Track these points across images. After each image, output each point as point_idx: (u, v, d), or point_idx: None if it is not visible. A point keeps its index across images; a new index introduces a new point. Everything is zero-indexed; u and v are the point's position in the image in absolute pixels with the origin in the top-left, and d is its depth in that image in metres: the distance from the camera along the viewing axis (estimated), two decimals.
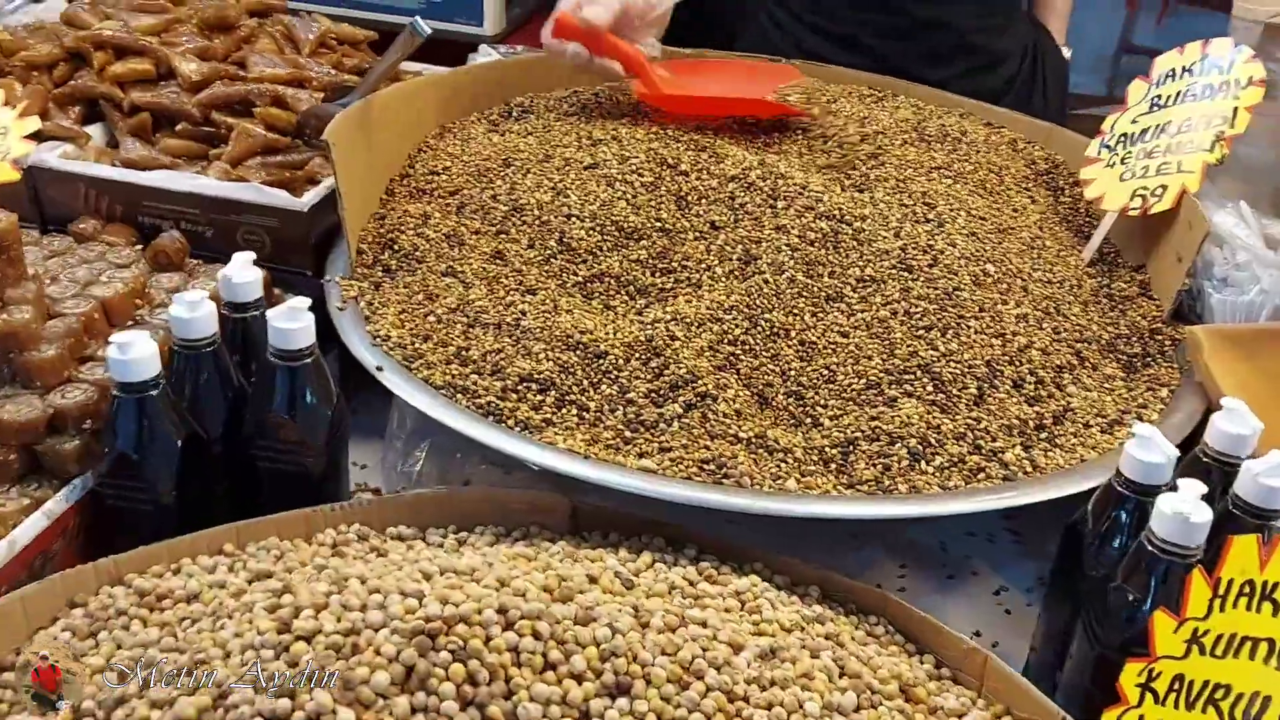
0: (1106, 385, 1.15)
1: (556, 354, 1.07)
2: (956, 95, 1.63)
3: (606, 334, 1.09)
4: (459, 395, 1.04)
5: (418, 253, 1.22)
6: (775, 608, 0.85)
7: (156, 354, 0.91)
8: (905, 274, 1.16)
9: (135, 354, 0.90)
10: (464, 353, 1.09)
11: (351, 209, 1.21)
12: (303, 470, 1.00)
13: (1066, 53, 1.98)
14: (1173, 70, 1.37)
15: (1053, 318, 1.18)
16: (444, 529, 0.99)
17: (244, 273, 1.03)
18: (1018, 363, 1.11)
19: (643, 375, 1.05)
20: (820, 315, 1.12)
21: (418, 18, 1.24)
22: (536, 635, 0.72)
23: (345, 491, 1.08)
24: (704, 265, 1.17)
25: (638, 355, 1.07)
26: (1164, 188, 1.30)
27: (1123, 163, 1.36)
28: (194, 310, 0.96)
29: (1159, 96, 1.37)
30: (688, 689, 0.72)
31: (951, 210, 1.26)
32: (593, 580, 0.84)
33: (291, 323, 0.96)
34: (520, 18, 2.06)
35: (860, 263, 1.17)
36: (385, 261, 1.22)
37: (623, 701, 0.70)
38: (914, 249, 1.19)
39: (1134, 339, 1.22)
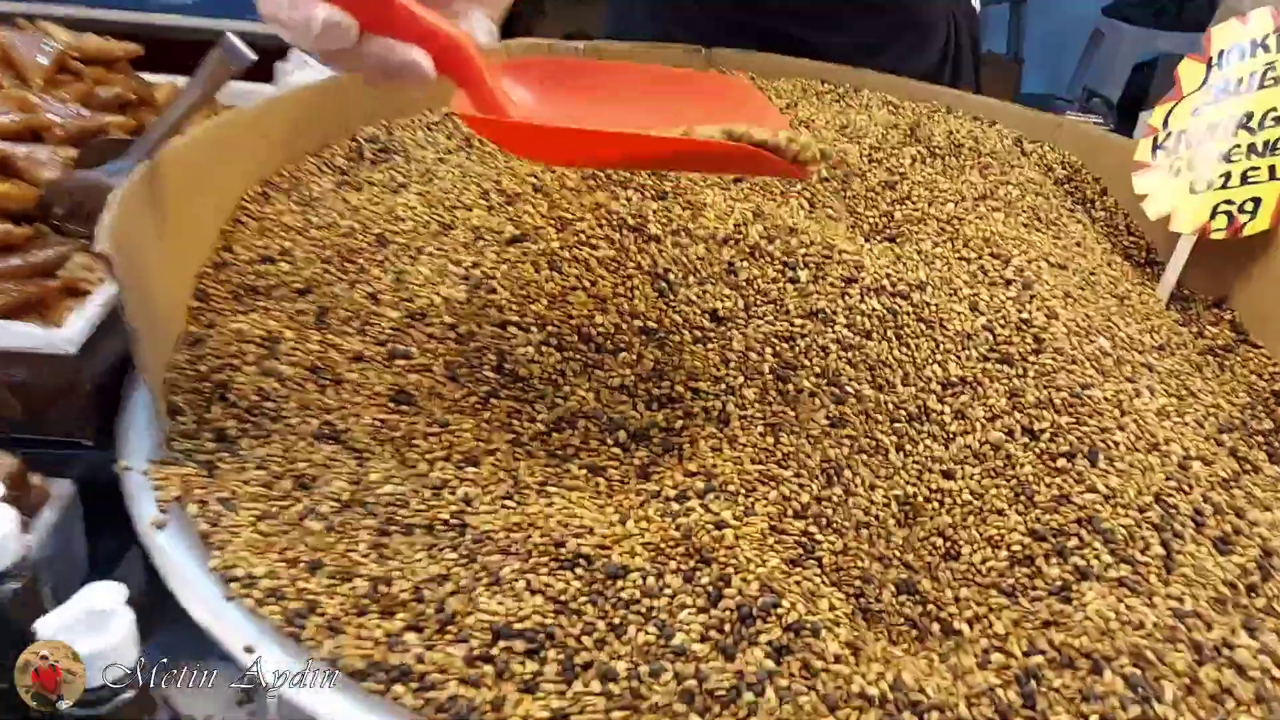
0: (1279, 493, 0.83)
1: (543, 578, 0.66)
2: (915, 81, 1.29)
3: (614, 530, 0.68)
4: (397, 685, 0.61)
5: (269, 403, 0.77)
6: None
7: None
8: (1005, 367, 0.81)
9: None
10: (382, 590, 0.66)
11: (154, 349, 0.75)
12: None
13: (975, 4, 1.66)
14: (1239, 47, 1.07)
15: (1188, 402, 0.86)
16: None
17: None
18: (1185, 488, 0.78)
19: (691, 603, 0.65)
20: (908, 449, 0.76)
21: (229, 34, 0.77)
22: None
23: None
24: (723, 385, 0.78)
25: (674, 565, 0.67)
26: (1256, 200, 1.01)
27: (1189, 169, 1.05)
28: None
29: (1226, 81, 1.07)
30: None
31: (1031, 262, 0.91)
32: None
33: (98, 639, 0.51)
34: None
35: (938, 357, 0.81)
36: (216, 422, 0.77)
37: None
38: (1003, 326, 0.84)
39: (1258, 409, 0.92)
